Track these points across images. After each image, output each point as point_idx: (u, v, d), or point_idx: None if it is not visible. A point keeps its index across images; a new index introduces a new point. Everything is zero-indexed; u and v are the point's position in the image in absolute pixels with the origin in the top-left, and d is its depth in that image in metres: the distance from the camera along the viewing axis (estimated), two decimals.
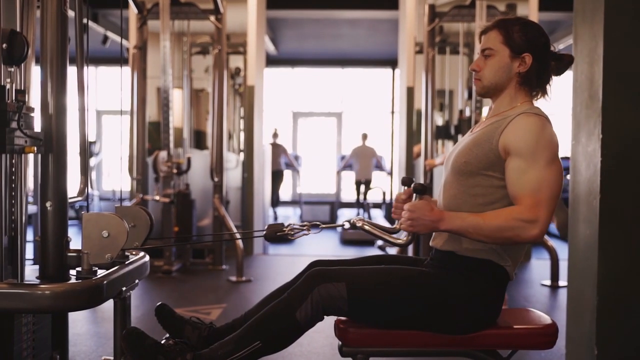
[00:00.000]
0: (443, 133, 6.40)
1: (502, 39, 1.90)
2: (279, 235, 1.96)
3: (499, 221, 1.77)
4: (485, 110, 5.54)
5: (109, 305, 2.09)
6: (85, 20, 2.22)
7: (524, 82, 1.91)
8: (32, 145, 1.87)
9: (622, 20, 2.41)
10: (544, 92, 1.95)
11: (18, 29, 2.04)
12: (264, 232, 1.97)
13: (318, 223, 2.00)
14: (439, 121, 6.99)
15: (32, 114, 1.94)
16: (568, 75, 2.05)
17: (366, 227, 1.93)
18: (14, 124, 1.81)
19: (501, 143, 1.83)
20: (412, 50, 6.62)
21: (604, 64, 2.42)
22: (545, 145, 1.80)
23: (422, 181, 5.96)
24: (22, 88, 1.99)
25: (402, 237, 1.90)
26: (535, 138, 1.80)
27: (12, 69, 1.89)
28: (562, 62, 1.94)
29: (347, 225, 1.97)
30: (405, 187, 1.96)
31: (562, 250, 5.50)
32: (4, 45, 1.85)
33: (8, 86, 1.86)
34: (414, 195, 1.86)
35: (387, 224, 8.73)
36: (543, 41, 1.90)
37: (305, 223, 1.99)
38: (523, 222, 1.75)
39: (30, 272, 2.04)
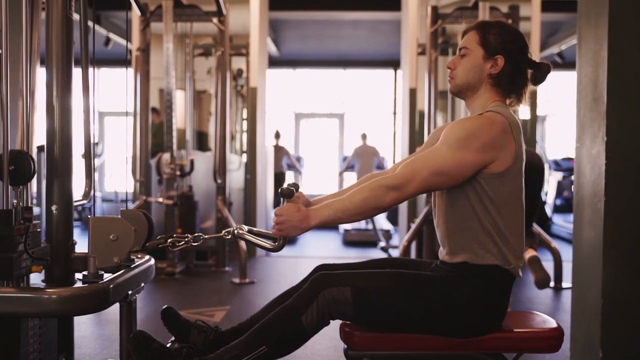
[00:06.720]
0: None
1: (478, 40, 1.91)
2: (160, 247, 1.95)
3: (363, 194, 1.77)
4: None
5: (113, 307, 2.09)
6: (90, 23, 2.22)
7: (496, 84, 1.91)
8: (39, 265, 1.86)
9: (627, 23, 2.41)
10: (518, 98, 1.94)
11: (24, 32, 2.03)
12: (145, 245, 1.95)
13: (200, 234, 1.94)
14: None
15: (38, 229, 1.89)
16: (572, 77, 2.05)
17: (246, 237, 1.89)
18: (20, 247, 1.78)
19: None
20: (415, 52, 6.62)
21: (608, 66, 2.42)
22: (467, 133, 1.77)
23: None
24: (29, 205, 1.92)
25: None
26: (463, 128, 1.79)
27: (19, 189, 1.84)
28: (541, 71, 1.94)
29: (228, 236, 1.92)
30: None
31: (566, 251, 5.49)
32: (11, 168, 1.79)
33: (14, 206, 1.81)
34: (282, 199, 1.82)
35: (389, 226, 8.62)
36: (518, 45, 1.91)
37: (187, 235, 1.93)
38: (386, 188, 1.75)
39: (34, 276, 2.04)
